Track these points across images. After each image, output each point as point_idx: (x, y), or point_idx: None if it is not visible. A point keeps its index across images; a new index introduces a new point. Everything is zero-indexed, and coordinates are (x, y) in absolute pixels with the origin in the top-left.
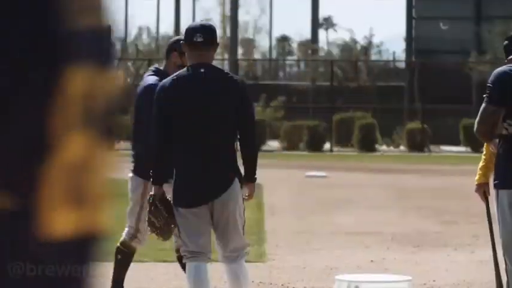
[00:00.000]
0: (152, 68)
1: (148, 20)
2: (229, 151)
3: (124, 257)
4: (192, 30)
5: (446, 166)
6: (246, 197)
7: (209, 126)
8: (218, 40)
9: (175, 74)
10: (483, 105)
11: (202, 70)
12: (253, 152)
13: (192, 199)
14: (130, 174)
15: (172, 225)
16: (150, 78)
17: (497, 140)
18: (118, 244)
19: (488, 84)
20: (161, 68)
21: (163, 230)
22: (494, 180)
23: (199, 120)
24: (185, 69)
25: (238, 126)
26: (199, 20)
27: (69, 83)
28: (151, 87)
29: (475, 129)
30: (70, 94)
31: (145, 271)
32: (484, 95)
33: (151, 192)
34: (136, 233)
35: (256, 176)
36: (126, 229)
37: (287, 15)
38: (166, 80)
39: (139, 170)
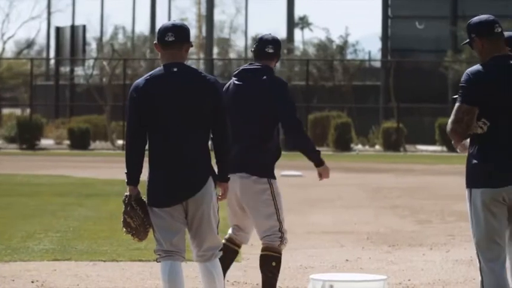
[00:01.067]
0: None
1: (124, 20)
2: (202, 150)
3: (278, 263)
4: (164, 30)
5: (422, 165)
6: (220, 196)
7: (182, 125)
8: (193, 39)
9: (148, 74)
10: (457, 104)
11: (175, 69)
12: (227, 152)
13: (166, 198)
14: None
15: (148, 226)
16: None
17: (467, 141)
18: (267, 252)
19: (462, 84)
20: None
21: (138, 230)
22: (467, 179)
23: (173, 120)
24: (158, 69)
25: (212, 126)
26: (174, 19)
27: None
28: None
29: (449, 128)
30: None
31: (121, 271)
32: (456, 95)
33: (127, 193)
34: (284, 234)
35: (229, 176)
36: (271, 235)
37: (263, 15)
38: (140, 80)
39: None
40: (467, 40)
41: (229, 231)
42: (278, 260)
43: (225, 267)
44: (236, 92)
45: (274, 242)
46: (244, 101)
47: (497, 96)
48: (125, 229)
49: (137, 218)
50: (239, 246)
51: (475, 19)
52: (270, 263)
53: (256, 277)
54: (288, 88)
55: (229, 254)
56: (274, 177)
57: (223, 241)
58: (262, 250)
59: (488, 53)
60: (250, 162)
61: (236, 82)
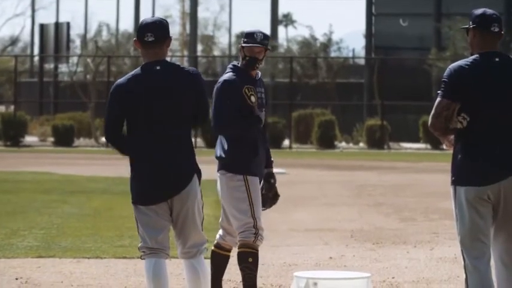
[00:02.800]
0: (230, 65)
1: (108, 17)
2: (187, 147)
3: (255, 258)
4: (143, 29)
5: (406, 163)
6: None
7: (167, 123)
8: (177, 37)
9: (130, 73)
10: (437, 99)
11: (158, 67)
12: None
13: (152, 196)
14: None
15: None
16: (226, 75)
17: (452, 137)
18: (243, 249)
19: (443, 79)
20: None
21: None
22: (452, 176)
23: (157, 118)
24: (140, 67)
25: (195, 121)
26: (158, 16)
27: None
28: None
29: (429, 123)
30: None
31: (105, 268)
32: (439, 90)
33: None
34: (258, 230)
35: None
36: (246, 232)
37: (247, 12)
38: (122, 80)
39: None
40: (466, 26)
41: (217, 237)
42: (255, 256)
43: (221, 275)
44: None
45: (249, 238)
46: None
47: (479, 92)
48: None
49: None
50: (229, 251)
51: (480, 10)
52: (247, 259)
53: (240, 274)
54: (218, 91)
55: (221, 261)
56: (252, 174)
57: (213, 248)
58: (239, 247)
59: (477, 47)
60: (227, 160)
61: None
